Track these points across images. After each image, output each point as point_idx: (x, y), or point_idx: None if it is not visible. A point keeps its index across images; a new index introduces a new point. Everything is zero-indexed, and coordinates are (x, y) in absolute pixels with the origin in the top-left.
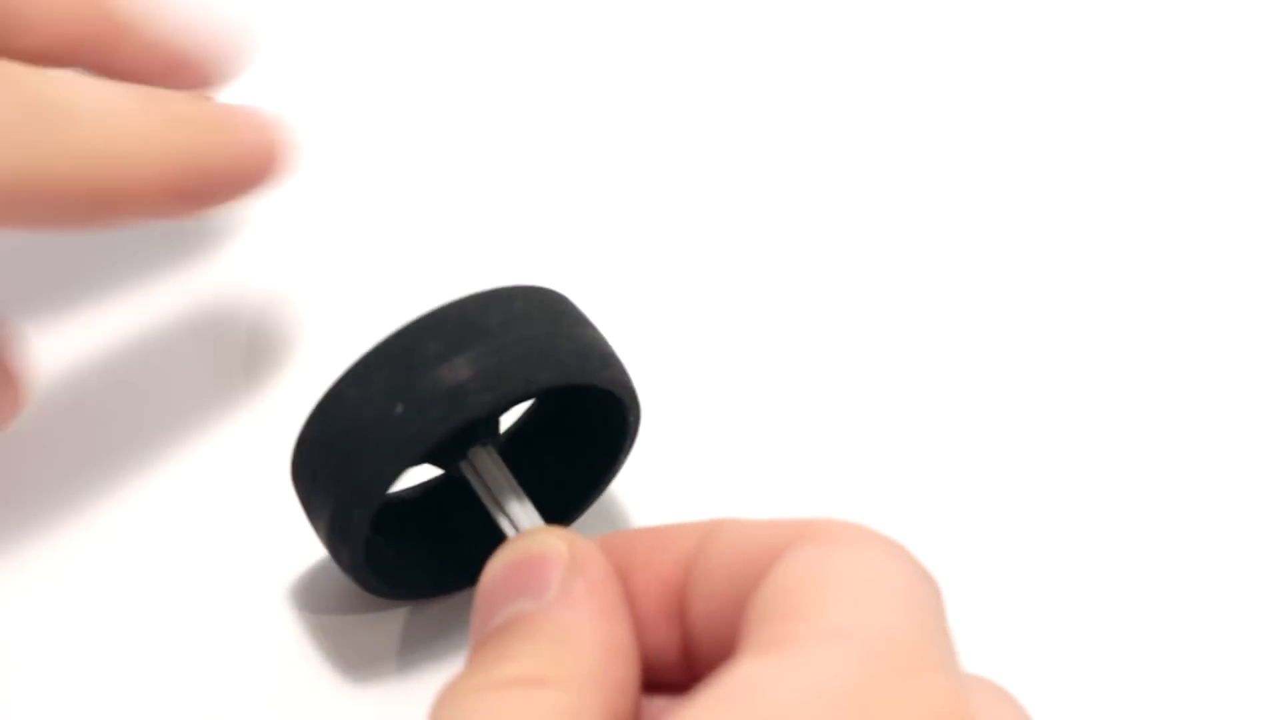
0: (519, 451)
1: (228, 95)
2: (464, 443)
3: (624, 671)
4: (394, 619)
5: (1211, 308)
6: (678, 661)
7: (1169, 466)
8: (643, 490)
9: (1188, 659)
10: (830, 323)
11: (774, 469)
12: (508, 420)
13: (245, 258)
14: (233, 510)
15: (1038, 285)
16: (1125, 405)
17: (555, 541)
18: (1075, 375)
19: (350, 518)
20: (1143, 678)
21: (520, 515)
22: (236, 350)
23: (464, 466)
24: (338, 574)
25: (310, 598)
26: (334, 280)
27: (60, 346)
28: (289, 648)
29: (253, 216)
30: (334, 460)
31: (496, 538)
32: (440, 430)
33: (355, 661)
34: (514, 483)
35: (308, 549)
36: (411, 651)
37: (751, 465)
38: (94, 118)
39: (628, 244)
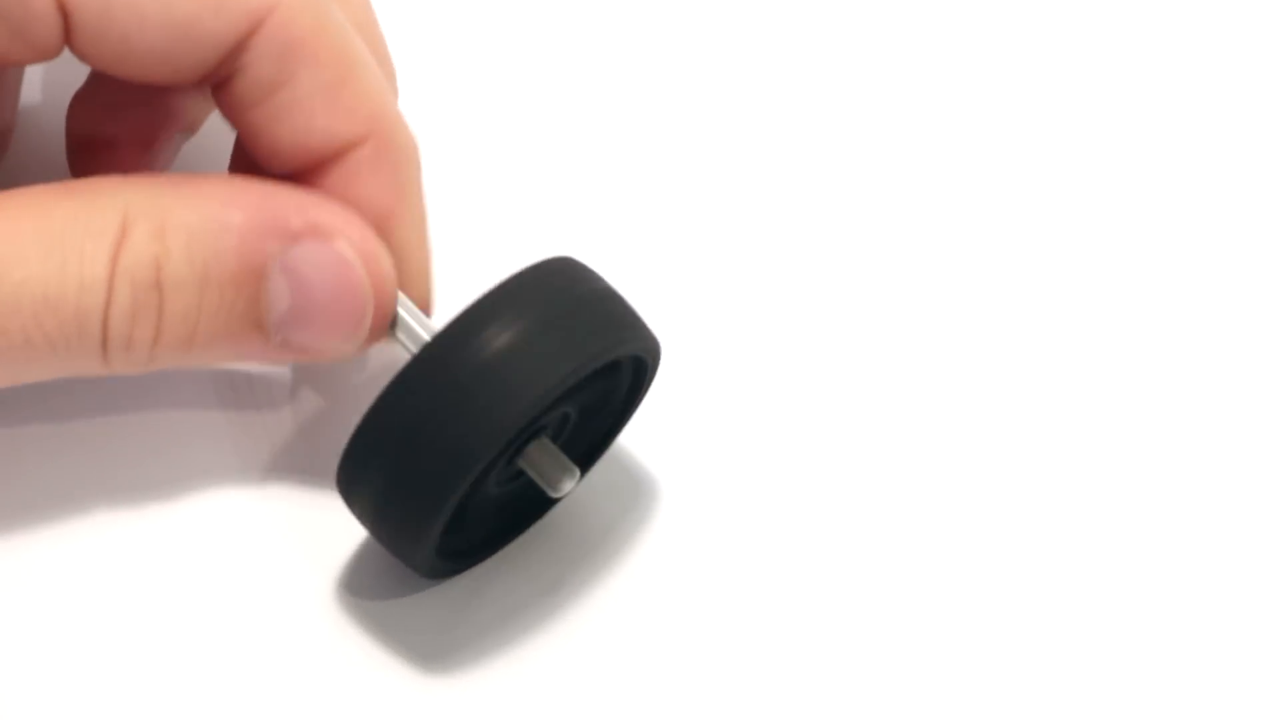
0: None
1: None
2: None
3: None
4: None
5: (1212, 307)
6: None
7: (1168, 465)
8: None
9: (1187, 659)
10: (832, 303)
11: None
12: None
13: None
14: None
15: (1044, 276)
16: (1124, 400)
17: None
18: (1077, 363)
19: (431, 515)
20: (1142, 678)
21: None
22: None
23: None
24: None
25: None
26: None
27: None
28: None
29: None
30: (405, 459)
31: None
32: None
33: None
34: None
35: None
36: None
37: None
38: None
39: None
